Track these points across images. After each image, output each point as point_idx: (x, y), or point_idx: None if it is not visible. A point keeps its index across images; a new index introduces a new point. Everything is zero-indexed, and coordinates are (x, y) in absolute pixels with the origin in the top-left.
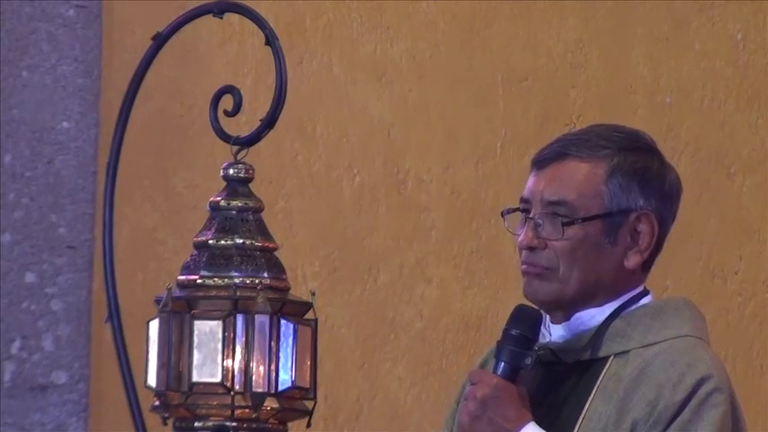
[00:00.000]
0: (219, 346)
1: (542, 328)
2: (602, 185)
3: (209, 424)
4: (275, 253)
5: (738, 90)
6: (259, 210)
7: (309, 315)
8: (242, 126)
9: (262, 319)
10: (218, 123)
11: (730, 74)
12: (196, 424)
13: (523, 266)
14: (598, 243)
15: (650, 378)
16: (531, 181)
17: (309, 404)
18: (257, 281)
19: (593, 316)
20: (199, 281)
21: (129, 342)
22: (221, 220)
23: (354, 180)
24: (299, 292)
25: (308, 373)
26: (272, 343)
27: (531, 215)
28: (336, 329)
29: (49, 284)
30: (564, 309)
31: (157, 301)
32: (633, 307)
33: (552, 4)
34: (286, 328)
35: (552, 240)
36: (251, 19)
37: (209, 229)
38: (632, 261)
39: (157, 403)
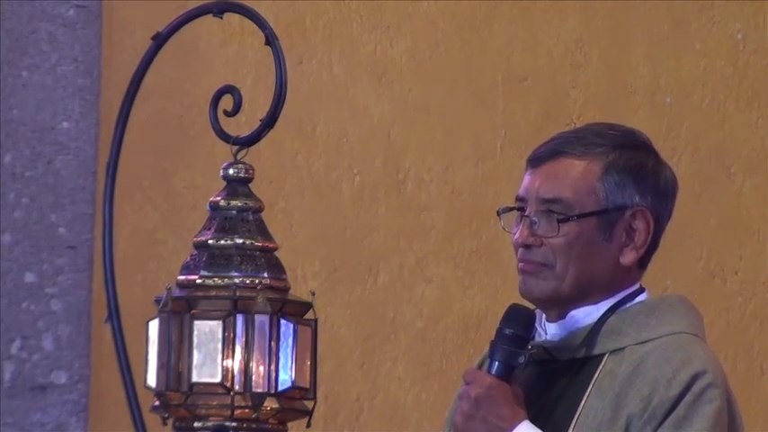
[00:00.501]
0: (219, 346)
1: (537, 326)
2: (597, 182)
3: (209, 424)
4: (275, 253)
5: (738, 90)
6: (259, 210)
7: (309, 315)
8: (242, 126)
9: (262, 319)
10: (218, 123)
11: (730, 74)
12: (196, 424)
13: (520, 264)
14: (593, 240)
15: (645, 374)
16: (526, 179)
17: (309, 404)
18: (257, 281)
19: (588, 313)
20: (199, 281)
21: (129, 342)
22: (221, 220)
23: (354, 180)
24: (299, 292)
25: (308, 373)
26: (272, 343)
27: (526, 213)
28: (336, 329)
29: (49, 284)
30: (559, 306)
31: (157, 301)
32: (629, 304)
33: (552, 4)
34: (286, 328)
35: (548, 237)
36: (251, 19)
37: (209, 229)
38: (628, 258)
39: (157, 403)
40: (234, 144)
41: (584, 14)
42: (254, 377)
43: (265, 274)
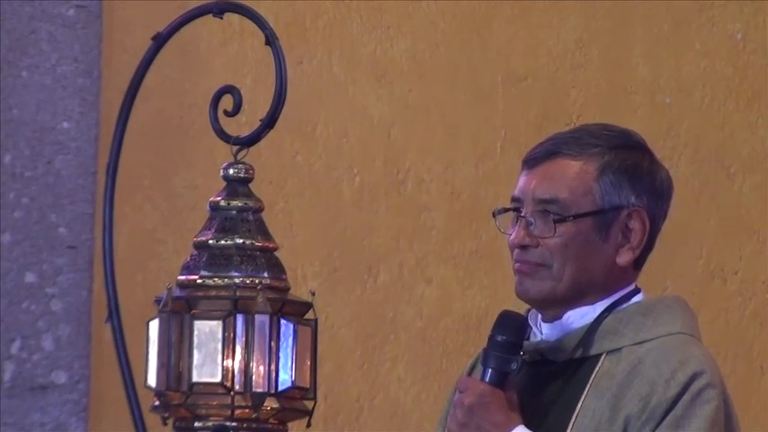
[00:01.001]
0: (219, 346)
1: (533, 326)
2: (592, 183)
3: (209, 424)
4: (275, 253)
5: (738, 90)
6: (259, 210)
7: (309, 315)
8: (242, 126)
9: (262, 319)
10: (218, 123)
11: (730, 74)
12: (196, 424)
13: (516, 265)
14: (590, 240)
15: (643, 375)
16: (522, 180)
17: (309, 404)
18: (257, 281)
19: (584, 314)
20: (199, 281)
21: (129, 342)
22: (221, 220)
23: (354, 180)
24: (299, 292)
25: (308, 373)
26: (272, 343)
27: (522, 214)
28: (336, 329)
29: (49, 284)
30: (555, 306)
31: (157, 301)
32: (625, 305)
33: (552, 4)
34: (286, 328)
35: (544, 238)
36: (251, 19)
37: (209, 229)
38: (624, 258)
39: (157, 403)
40: (234, 144)
41: (584, 14)
42: (254, 377)
43: (265, 274)
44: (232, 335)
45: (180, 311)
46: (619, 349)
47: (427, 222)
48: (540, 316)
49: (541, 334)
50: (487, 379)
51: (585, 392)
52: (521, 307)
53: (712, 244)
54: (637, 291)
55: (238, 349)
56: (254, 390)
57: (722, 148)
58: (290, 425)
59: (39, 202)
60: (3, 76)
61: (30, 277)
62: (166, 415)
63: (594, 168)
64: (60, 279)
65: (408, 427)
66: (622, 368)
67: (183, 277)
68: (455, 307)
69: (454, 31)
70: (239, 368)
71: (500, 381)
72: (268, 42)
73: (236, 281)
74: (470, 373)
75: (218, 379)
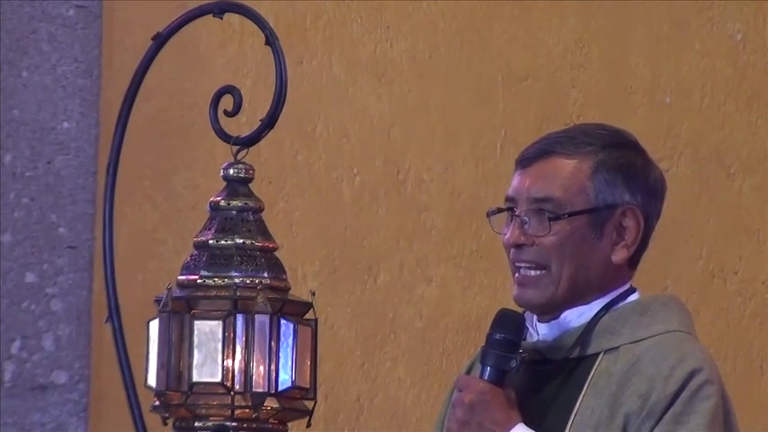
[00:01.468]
0: (219, 346)
1: (529, 326)
2: (587, 181)
3: (209, 424)
4: (275, 253)
5: (738, 90)
6: (259, 210)
7: (309, 315)
8: (242, 126)
9: (262, 319)
10: (218, 123)
11: (730, 74)
12: (196, 424)
13: (513, 264)
14: (585, 238)
15: (641, 372)
16: (516, 180)
17: (309, 404)
18: (257, 281)
19: (581, 313)
20: (199, 281)
21: (129, 342)
22: (221, 220)
23: (354, 180)
24: (299, 292)
25: (308, 373)
26: (272, 343)
27: (516, 213)
28: (336, 329)
29: (49, 284)
30: (554, 310)
31: (157, 301)
32: (621, 304)
33: (552, 4)
34: (286, 328)
35: (539, 236)
36: (251, 19)
37: (209, 229)
38: (619, 256)
39: (157, 403)
40: (234, 144)
41: (584, 14)
42: (254, 377)
43: (265, 274)
44: (232, 335)
45: (180, 311)
46: (616, 348)
47: (427, 222)
48: (535, 316)
49: (537, 334)
50: (486, 377)
51: (584, 391)
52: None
53: (712, 244)
54: (632, 290)
55: (238, 349)
56: (254, 390)
57: (722, 148)
58: (290, 425)
59: (39, 202)
60: (3, 76)
61: (30, 277)
62: (166, 415)
63: (588, 167)
64: (60, 279)
65: (408, 427)
66: (620, 366)
67: (183, 277)
68: (455, 307)
69: (454, 31)
70: (239, 368)
71: (499, 379)
72: (268, 42)
73: (236, 281)
74: (468, 373)
75: (218, 379)
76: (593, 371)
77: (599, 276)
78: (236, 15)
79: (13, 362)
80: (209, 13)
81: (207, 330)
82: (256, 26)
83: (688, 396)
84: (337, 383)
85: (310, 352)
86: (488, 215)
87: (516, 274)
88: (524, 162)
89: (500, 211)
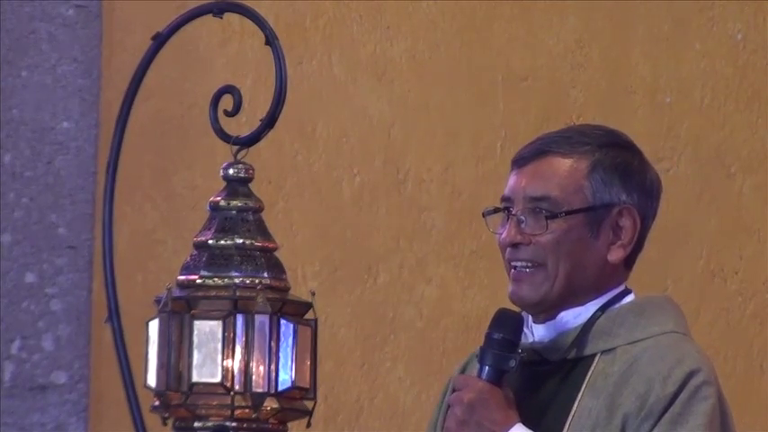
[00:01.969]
0: (219, 346)
1: (525, 328)
2: (583, 180)
3: (209, 424)
4: (275, 253)
5: (738, 90)
6: (259, 210)
7: (309, 315)
8: (242, 126)
9: (262, 319)
10: (218, 123)
11: (730, 74)
12: (196, 424)
13: (509, 264)
14: (581, 236)
15: (639, 373)
16: (512, 179)
17: (309, 404)
18: (257, 281)
19: (577, 314)
20: (199, 281)
21: (129, 342)
22: (221, 220)
23: (354, 180)
24: (299, 292)
25: (308, 373)
26: (272, 343)
27: (513, 212)
28: (336, 329)
29: (49, 284)
30: (549, 309)
31: (157, 301)
32: (617, 305)
33: (552, 4)
34: (286, 328)
35: (536, 235)
36: (251, 19)
37: (209, 229)
38: (615, 255)
39: (157, 403)
40: (234, 144)
41: (584, 14)
42: (254, 377)
43: (265, 274)
44: (232, 335)
45: (180, 311)
46: (613, 349)
47: (427, 222)
48: (530, 318)
49: (533, 335)
50: (485, 376)
51: (581, 392)
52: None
53: (712, 244)
54: (627, 291)
55: (238, 349)
56: (254, 390)
57: (722, 148)
58: (290, 425)
59: (39, 202)
60: (3, 76)
61: (30, 277)
62: (166, 415)
63: (585, 166)
64: (60, 279)
65: (408, 427)
66: (618, 368)
67: (182, 277)
68: (455, 307)
69: (454, 31)
70: (239, 368)
71: (498, 378)
72: (268, 42)
73: (236, 281)
74: (462, 371)
75: (218, 379)
76: (590, 372)
77: (595, 275)
78: (236, 15)
79: (13, 362)
80: (209, 13)
81: (207, 330)
82: (256, 26)
83: (686, 397)
84: (337, 383)
85: (310, 352)
86: (484, 215)
87: (512, 271)
88: (520, 162)
89: (496, 210)
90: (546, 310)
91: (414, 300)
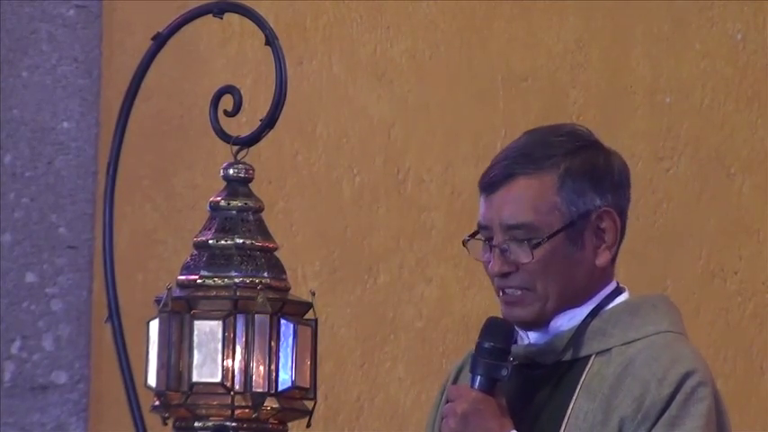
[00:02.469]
0: (219, 346)
1: (519, 331)
2: (555, 197)
3: (209, 424)
4: (275, 253)
5: (738, 90)
6: (259, 210)
7: (309, 315)
8: (242, 126)
9: (262, 319)
10: (218, 123)
11: (730, 74)
12: (196, 424)
13: (501, 295)
14: (567, 253)
15: (635, 375)
16: (483, 206)
17: (309, 404)
18: (257, 281)
19: (571, 317)
20: (199, 281)
21: (129, 342)
22: (221, 220)
23: (354, 180)
24: (299, 292)
25: (308, 373)
26: (272, 343)
27: (494, 243)
28: (336, 329)
29: (49, 284)
30: (545, 323)
31: (157, 301)
32: (611, 305)
33: (552, 4)
34: (286, 328)
35: (523, 264)
36: (251, 19)
37: (209, 229)
38: (603, 258)
39: (157, 403)
40: (234, 144)
41: (584, 14)
42: (254, 377)
43: (265, 274)
44: (232, 335)
45: (180, 311)
46: (608, 350)
47: (427, 222)
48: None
49: (528, 338)
50: (477, 386)
51: (576, 394)
52: None
53: (712, 244)
54: (620, 290)
55: (238, 349)
56: (254, 390)
57: (722, 148)
58: (290, 425)
59: (39, 202)
60: (3, 76)
61: (30, 277)
62: (166, 415)
63: (553, 182)
64: (60, 279)
65: (408, 427)
66: (613, 369)
67: (183, 277)
68: (455, 307)
69: (454, 31)
70: (239, 368)
71: (490, 387)
72: (268, 42)
73: (236, 281)
74: (456, 378)
75: (218, 379)
76: (584, 373)
77: (585, 282)
78: (236, 15)
79: (13, 362)
80: (209, 13)
81: (207, 330)
82: (256, 26)
83: (683, 399)
84: (337, 383)
85: (310, 352)
86: (464, 243)
87: (502, 294)
88: (488, 189)
89: (474, 236)
90: (541, 324)
91: (414, 300)
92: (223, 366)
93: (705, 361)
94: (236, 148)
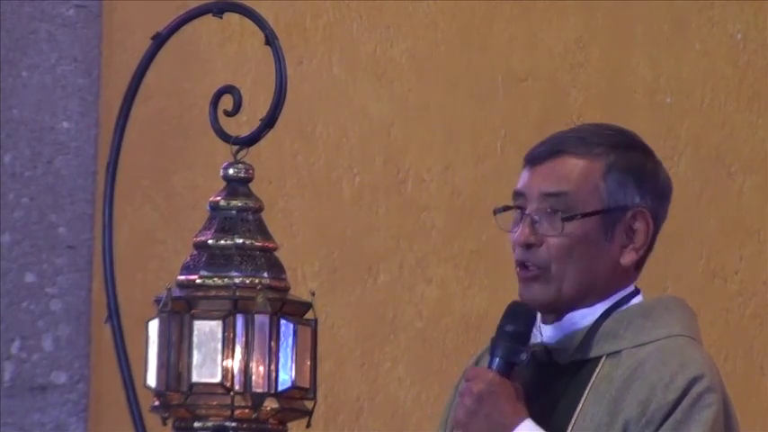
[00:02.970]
0: (219, 346)
1: (533, 328)
2: (599, 182)
3: (209, 424)
4: (275, 253)
5: (738, 90)
6: (259, 210)
7: (309, 315)
8: (242, 126)
9: (261, 319)
10: (218, 123)
11: (730, 74)
12: (196, 424)
13: (520, 270)
14: (596, 240)
15: (642, 379)
16: (525, 176)
17: (309, 404)
18: (257, 281)
19: (584, 316)
20: (198, 281)
21: (129, 342)
22: (221, 220)
23: (354, 180)
24: (299, 292)
25: (308, 373)
26: (272, 343)
27: (527, 211)
28: (336, 329)
29: (48, 284)
30: (560, 309)
31: (157, 301)
32: (624, 306)
33: (552, 4)
34: (286, 328)
35: (550, 236)
36: (251, 19)
37: (209, 229)
38: (628, 258)
39: (157, 403)
40: (234, 144)
41: (584, 14)
42: (254, 377)
43: (265, 274)
44: (232, 335)
45: (180, 311)
46: (619, 352)
47: (427, 222)
48: (539, 318)
49: (541, 335)
50: (495, 368)
51: (585, 396)
52: None
53: (712, 244)
54: (636, 292)
55: (238, 349)
56: (253, 390)
57: (722, 148)
58: (290, 425)
59: (39, 202)
60: (3, 76)
61: (30, 277)
62: (166, 415)
63: (600, 167)
64: (60, 279)
65: (408, 427)
66: (621, 372)
67: (182, 277)
68: (455, 307)
69: (454, 31)
70: (239, 368)
71: (508, 371)
72: (268, 42)
73: (236, 281)
74: (476, 365)
75: (217, 379)
76: (594, 375)
77: (606, 278)
78: (236, 15)
79: (13, 362)
80: (209, 13)
81: (207, 330)
82: (256, 26)
83: (688, 404)
84: (337, 383)
85: (310, 352)
86: (495, 212)
87: (520, 270)
88: (534, 160)
89: (508, 208)
90: (556, 310)
91: (414, 300)
92: (223, 366)
93: (715, 366)
94: (235, 147)
